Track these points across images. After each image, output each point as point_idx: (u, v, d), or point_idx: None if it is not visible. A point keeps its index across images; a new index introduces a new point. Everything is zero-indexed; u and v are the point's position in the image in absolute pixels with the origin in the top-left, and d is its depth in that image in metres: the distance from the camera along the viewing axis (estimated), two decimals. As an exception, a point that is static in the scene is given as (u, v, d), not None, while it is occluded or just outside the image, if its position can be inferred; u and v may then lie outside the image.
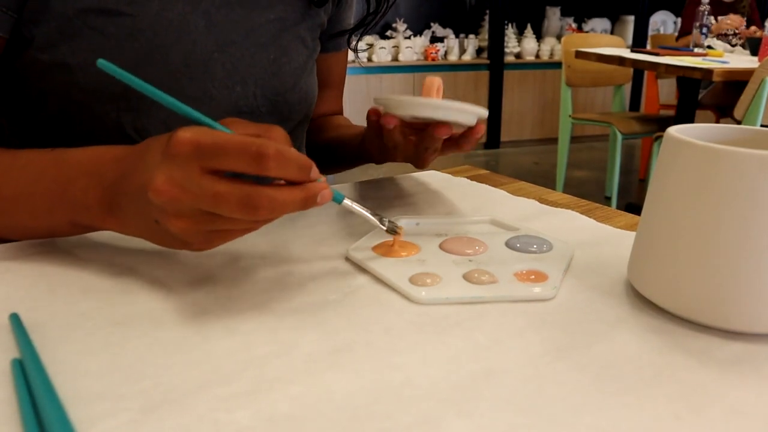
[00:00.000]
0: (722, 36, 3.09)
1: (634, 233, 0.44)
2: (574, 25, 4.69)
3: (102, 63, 0.35)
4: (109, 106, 0.60)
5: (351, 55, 0.85)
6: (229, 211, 0.36)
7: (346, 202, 0.45)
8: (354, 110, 1.59)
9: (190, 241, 0.40)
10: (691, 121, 2.45)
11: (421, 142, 0.56)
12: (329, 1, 0.74)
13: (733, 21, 3.09)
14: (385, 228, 0.48)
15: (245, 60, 0.66)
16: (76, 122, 0.60)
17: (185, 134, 0.36)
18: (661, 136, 0.46)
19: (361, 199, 0.64)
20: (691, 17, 2.95)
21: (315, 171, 0.38)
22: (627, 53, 2.65)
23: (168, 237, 0.40)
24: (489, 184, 0.69)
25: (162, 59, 0.60)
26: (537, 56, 4.51)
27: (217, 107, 0.65)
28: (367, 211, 0.47)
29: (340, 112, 0.90)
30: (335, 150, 0.79)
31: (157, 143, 0.40)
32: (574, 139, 3.11)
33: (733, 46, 3.03)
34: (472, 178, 0.71)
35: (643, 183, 3.52)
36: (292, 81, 0.71)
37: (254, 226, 0.40)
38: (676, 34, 3.64)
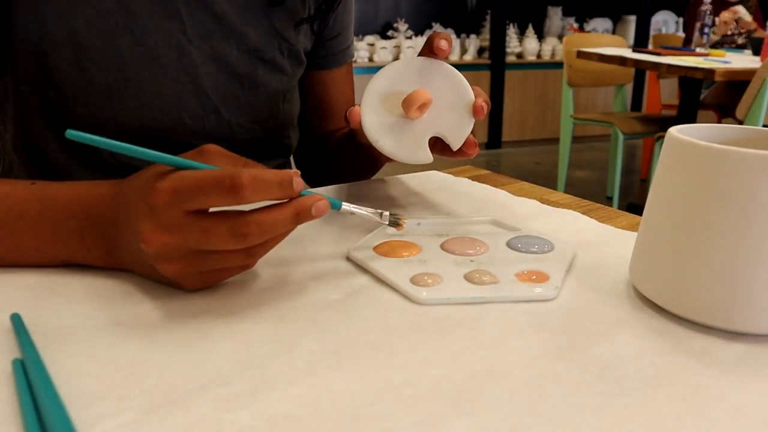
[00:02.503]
0: (727, 36, 3.08)
1: (635, 233, 0.44)
2: (575, 25, 4.68)
3: (71, 133, 0.35)
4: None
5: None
6: (221, 243, 0.37)
7: (345, 206, 0.45)
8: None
9: (185, 283, 0.41)
10: (692, 121, 2.44)
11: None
12: (310, 25, 0.72)
13: (725, 16, 3.06)
14: (387, 222, 0.48)
15: (218, 91, 0.66)
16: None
17: (162, 184, 0.37)
18: (663, 136, 0.46)
19: (362, 200, 0.64)
20: (694, 20, 2.94)
21: (298, 182, 0.37)
22: (629, 53, 2.65)
23: (164, 278, 0.41)
24: (490, 185, 0.69)
25: (134, 92, 0.61)
26: (538, 56, 4.51)
27: (192, 135, 0.65)
28: (367, 210, 0.47)
29: None
30: (343, 153, 0.75)
31: (136, 188, 0.40)
32: (575, 139, 3.11)
33: (741, 45, 3.02)
34: (473, 178, 0.71)
35: (645, 183, 3.52)
36: (269, 108, 0.70)
37: (249, 261, 0.40)
38: (681, 35, 3.64)
